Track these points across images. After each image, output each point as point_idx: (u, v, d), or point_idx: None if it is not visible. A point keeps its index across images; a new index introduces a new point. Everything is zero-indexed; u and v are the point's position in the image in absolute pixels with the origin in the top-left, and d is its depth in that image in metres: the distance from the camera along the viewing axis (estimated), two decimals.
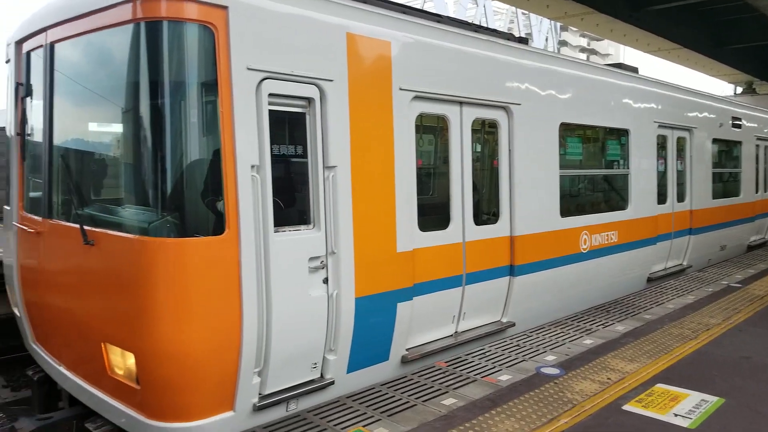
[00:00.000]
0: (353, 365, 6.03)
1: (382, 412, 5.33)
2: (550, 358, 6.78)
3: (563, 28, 76.11)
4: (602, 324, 8.18)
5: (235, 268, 4.97)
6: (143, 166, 5.16)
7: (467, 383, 6.01)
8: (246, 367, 5.11)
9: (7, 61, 6.99)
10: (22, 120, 6.53)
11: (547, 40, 62.37)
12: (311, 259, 5.55)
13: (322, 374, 5.83)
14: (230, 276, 4.95)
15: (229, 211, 4.93)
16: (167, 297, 4.78)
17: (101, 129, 6.01)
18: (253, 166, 5.06)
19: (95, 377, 5.64)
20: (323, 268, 5.67)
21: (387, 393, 5.77)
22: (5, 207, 7.34)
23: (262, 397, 5.36)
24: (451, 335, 7.28)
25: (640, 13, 16.31)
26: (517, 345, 7.22)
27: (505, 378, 6.15)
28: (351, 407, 5.45)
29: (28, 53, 6.38)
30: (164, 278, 4.78)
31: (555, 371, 6.35)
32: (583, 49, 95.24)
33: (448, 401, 5.58)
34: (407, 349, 6.68)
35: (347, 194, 5.77)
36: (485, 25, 8.74)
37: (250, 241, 5.03)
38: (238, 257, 4.97)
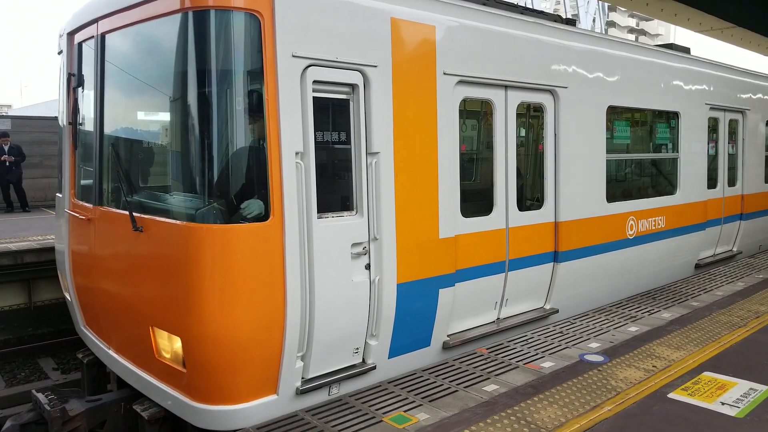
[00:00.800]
0: (394, 351, 6.07)
1: (423, 398, 5.36)
2: (594, 345, 6.72)
3: (611, 9, 74.40)
4: (648, 311, 8.06)
5: (279, 253, 5.04)
6: (190, 154, 5.24)
7: (509, 370, 6.01)
8: (289, 351, 5.18)
9: (59, 53, 7.17)
10: (74, 109, 6.70)
11: (594, 21, 61.03)
12: (354, 245, 5.60)
13: (363, 359, 5.88)
14: (274, 262, 5.02)
15: (274, 198, 4.99)
16: (213, 282, 4.87)
17: (150, 118, 6.14)
18: (297, 153, 5.11)
19: (143, 360, 5.78)
20: (365, 254, 5.71)
21: (428, 378, 5.79)
22: (57, 195, 7.57)
23: (305, 381, 5.43)
24: (494, 321, 7.27)
25: None
26: (561, 332, 7.18)
27: (547, 365, 6.13)
28: (392, 392, 5.49)
29: (80, 44, 6.54)
30: (210, 264, 4.87)
31: (599, 358, 6.30)
32: (631, 30, 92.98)
33: (490, 387, 5.58)
34: (449, 335, 6.69)
35: (390, 180, 5.80)
36: (531, 7, 8.55)
37: (294, 227, 5.09)
38: (282, 243, 5.04)
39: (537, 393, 5.46)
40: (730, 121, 11.69)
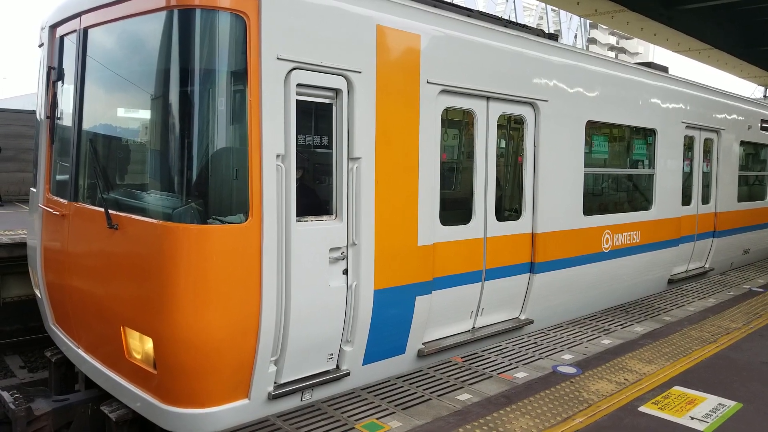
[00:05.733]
0: (369, 357, 6.04)
1: (396, 406, 5.36)
2: (568, 356, 6.76)
3: (592, 26, 75.35)
4: (621, 324, 8.13)
5: (256, 256, 5.00)
6: (170, 152, 5.17)
7: (483, 379, 6.02)
8: (263, 355, 5.14)
9: (40, 45, 7.05)
10: (52, 104, 6.60)
11: (576, 37, 61.74)
12: (332, 249, 5.57)
13: (338, 365, 5.85)
14: (251, 264, 4.98)
15: (253, 200, 4.95)
16: (187, 283, 4.81)
17: (130, 115, 6.07)
18: (278, 156, 5.09)
19: (113, 360, 5.70)
20: (343, 259, 5.68)
21: (402, 386, 5.79)
22: (32, 189, 7.44)
23: (278, 386, 5.39)
24: (469, 330, 7.26)
25: (671, 12, 16.08)
26: (535, 343, 7.21)
27: (521, 375, 6.15)
28: (366, 399, 5.49)
29: (62, 38, 6.44)
30: (185, 264, 4.82)
31: (572, 370, 6.33)
32: (612, 48, 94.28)
33: (463, 396, 5.59)
34: (424, 343, 6.68)
35: (370, 186, 5.79)
36: (515, 21, 8.57)
37: (272, 230, 5.06)
38: (260, 246, 5.00)
39: (510, 403, 5.47)
40: (706, 140, 11.83)
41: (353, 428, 4.93)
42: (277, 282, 5.15)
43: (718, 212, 12.29)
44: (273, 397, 5.31)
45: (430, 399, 5.51)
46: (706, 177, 12.02)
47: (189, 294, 4.82)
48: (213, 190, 5.07)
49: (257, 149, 4.96)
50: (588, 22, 63.26)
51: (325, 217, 5.58)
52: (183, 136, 5.01)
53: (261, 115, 4.96)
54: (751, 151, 14.39)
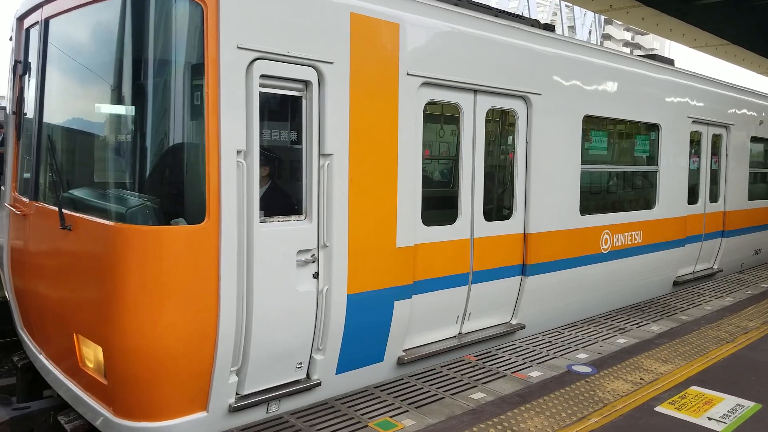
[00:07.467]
0: (343, 366, 5.70)
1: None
2: (582, 356, 6.70)
3: (607, 22, 74.84)
4: (637, 323, 8.06)
5: (213, 259, 4.66)
6: (122, 149, 4.89)
7: (497, 378, 5.95)
8: (221, 365, 4.81)
9: (10, 39, 6.83)
10: (18, 98, 6.36)
11: (590, 33, 61.43)
12: (301, 252, 5.22)
13: (308, 375, 5.50)
14: (208, 268, 4.65)
15: (210, 199, 4.61)
16: (137, 287, 4.51)
17: (87, 109, 5.71)
18: (239, 152, 4.75)
19: (70, 369, 5.40)
20: (314, 261, 5.33)
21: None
22: (0, 187, 7.23)
23: (240, 398, 5.05)
24: (455, 336, 6.86)
25: (687, 7, 15.89)
26: (549, 341, 7.15)
27: (535, 374, 6.08)
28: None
29: (27, 30, 6.21)
30: (136, 268, 4.52)
31: (587, 369, 6.27)
32: (627, 44, 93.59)
33: (477, 395, 5.50)
34: (404, 350, 6.31)
35: (344, 184, 5.43)
36: (506, 10, 8.19)
37: (231, 232, 4.73)
38: (218, 248, 4.67)
39: (524, 402, 5.38)
40: (714, 135, 11.38)
41: (366, 426, 4.88)
42: (237, 287, 4.82)
43: (727, 211, 11.81)
44: (234, 410, 4.97)
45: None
46: (715, 174, 11.56)
47: (138, 299, 4.51)
48: (166, 189, 4.80)
49: (215, 145, 4.61)
50: (603, 17, 62.80)
51: (293, 218, 5.24)
52: (135, 131, 4.74)
53: (219, 108, 4.61)
54: (763, 148, 13.94)
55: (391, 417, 5.03)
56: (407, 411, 5.14)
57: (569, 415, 5.18)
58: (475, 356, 6.50)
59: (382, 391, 5.23)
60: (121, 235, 4.57)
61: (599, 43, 59.97)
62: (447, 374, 5.59)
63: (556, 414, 5.19)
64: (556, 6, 59.04)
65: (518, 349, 6.79)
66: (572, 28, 58.90)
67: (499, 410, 5.23)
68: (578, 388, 5.77)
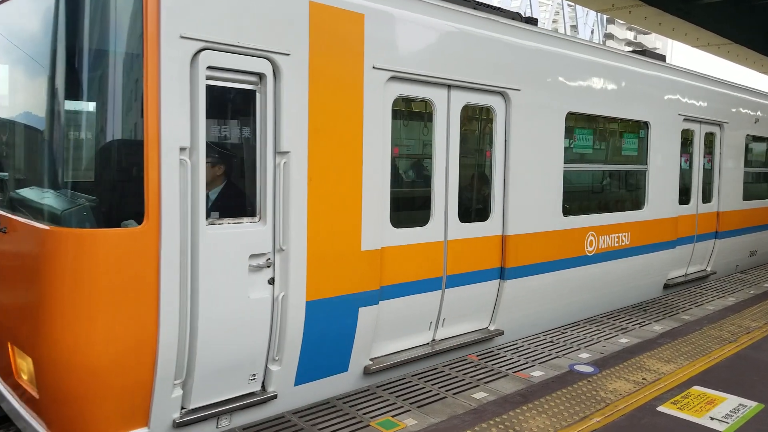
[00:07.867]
0: (302, 377, 5.37)
1: None
2: (585, 355, 6.69)
3: (609, 21, 74.76)
4: (639, 323, 8.04)
5: (153, 264, 4.34)
6: (54, 145, 4.54)
7: (499, 378, 5.95)
8: (163, 377, 4.48)
9: None
10: None
11: (592, 32, 61.38)
12: (254, 256, 4.89)
13: (263, 386, 5.17)
14: (146, 273, 4.32)
15: (150, 200, 4.28)
16: (67, 295, 4.21)
17: (26, 103, 5.37)
18: (182, 149, 4.42)
19: (10, 382, 5.11)
20: (269, 266, 5.00)
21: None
22: None
23: (186, 412, 4.72)
24: (428, 344, 6.54)
25: (690, 6, 15.87)
26: (551, 341, 7.14)
27: (537, 374, 6.09)
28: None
29: None
30: (65, 273, 4.23)
31: (589, 369, 6.27)
32: (629, 43, 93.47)
33: (479, 395, 5.52)
34: (372, 359, 6.00)
35: (302, 184, 5.12)
36: (484, 2, 7.85)
37: (173, 234, 4.41)
38: (158, 252, 4.35)
39: (526, 402, 5.40)
40: (707, 134, 11.03)
41: (369, 425, 4.87)
42: (180, 293, 4.49)
43: (720, 211, 11.47)
44: (179, 425, 4.64)
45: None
46: (708, 174, 11.23)
47: (68, 308, 4.20)
48: (101, 189, 4.49)
49: (155, 142, 4.28)
50: (605, 17, 62.77)
51: (245, 219, 4.91)
52: (68, 126, 4.42)
53: (160, 102, 4.29)
54: (759, 146, 13.51)
55: (393, 416, 5.00)
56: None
57: (571, 414, 5.18)
58: (477, 356, 6.47)
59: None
60: (50, 239, 4.29)
61: (602, 43, 59.94)
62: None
63: (558, 414, 5.18)
64: (559, 5, 59.01)
65: (520, 349, 6.77)
66: (575, 27, 58.91)
67: (501, 410, 5.22)
68: (580, 387, 5.77)
